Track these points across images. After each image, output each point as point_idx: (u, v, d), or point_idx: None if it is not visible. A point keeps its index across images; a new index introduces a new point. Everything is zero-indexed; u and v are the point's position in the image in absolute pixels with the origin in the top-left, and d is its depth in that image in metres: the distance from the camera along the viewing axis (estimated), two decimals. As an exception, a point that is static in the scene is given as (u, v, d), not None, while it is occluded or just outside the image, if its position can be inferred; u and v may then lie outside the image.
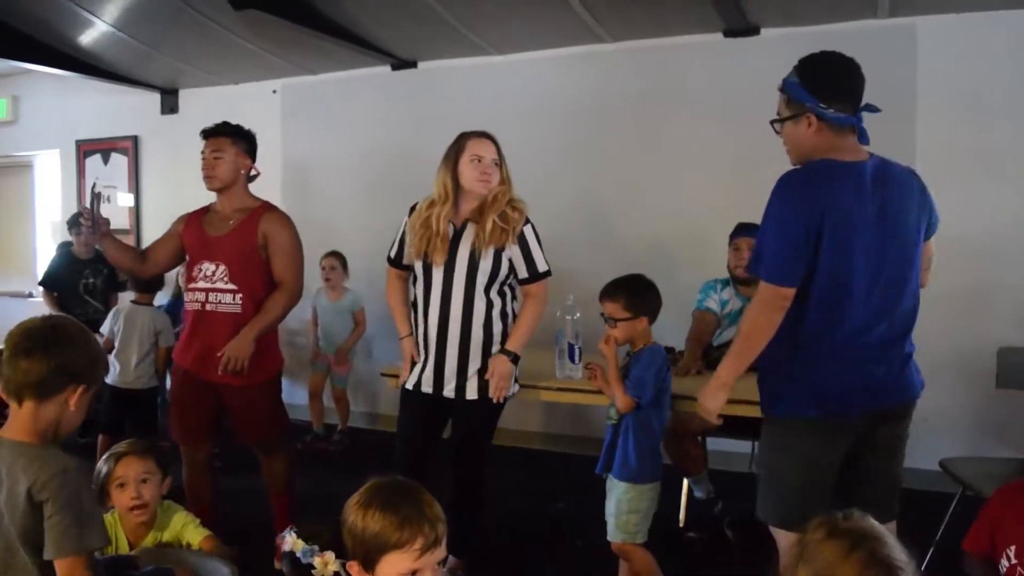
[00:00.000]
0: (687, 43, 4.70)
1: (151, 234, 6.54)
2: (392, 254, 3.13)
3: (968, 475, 3.10)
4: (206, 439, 3.30)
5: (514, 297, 3.05)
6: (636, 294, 2.81)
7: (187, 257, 3.27)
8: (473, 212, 2.92)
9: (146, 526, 2.48)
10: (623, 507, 2.72)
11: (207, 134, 3.24)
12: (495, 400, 2.93)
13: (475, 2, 4.41)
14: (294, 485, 3.45)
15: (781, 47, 4.47)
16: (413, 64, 5.47)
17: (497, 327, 2.96)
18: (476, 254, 2.87)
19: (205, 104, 6.28)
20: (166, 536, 2.50)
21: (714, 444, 4.01)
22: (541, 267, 2.98)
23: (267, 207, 3.26)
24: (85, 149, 6.82)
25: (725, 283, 3.84)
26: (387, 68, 5.51)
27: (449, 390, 2.95)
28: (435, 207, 2.92)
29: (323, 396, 5.40)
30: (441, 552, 1.61)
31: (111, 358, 4.30)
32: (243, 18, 4.41)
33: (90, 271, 5.48)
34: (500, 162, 2.93)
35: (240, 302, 3.14)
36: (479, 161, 2.88)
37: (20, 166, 7.39)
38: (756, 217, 3.92)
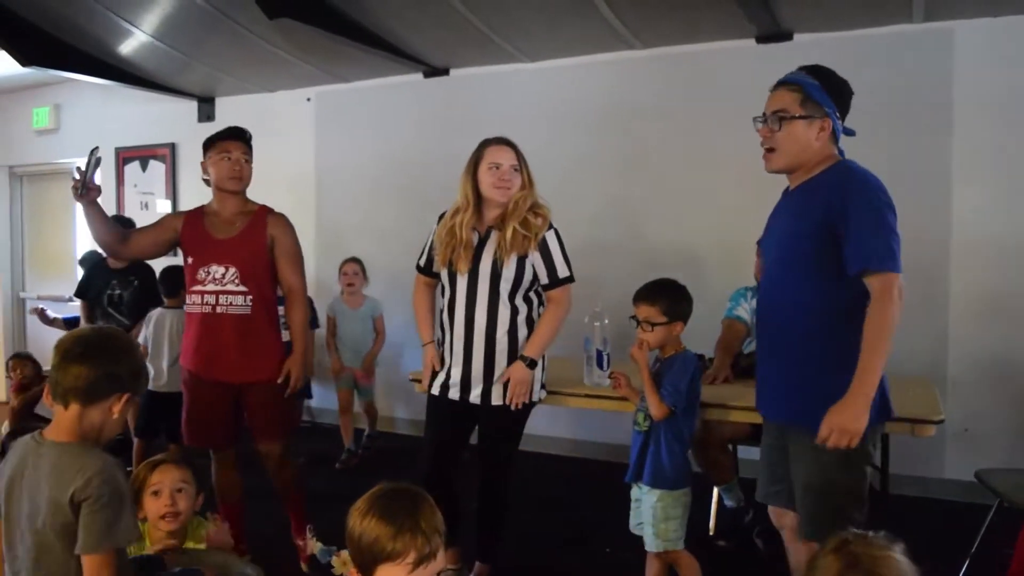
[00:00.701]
0: (719, 49, 4.68)
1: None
2: (421, 262, 3.15)
3: (1005, 487, 3.04)
4: (229, 441, 3.31)
5: (541, 303, 3.05)
6: (674, 299, 2.80)
7: (188, 259, 3.26)
8: (496, 219, 2.93)
9: (175, 541, 2.42)
10: (659, 515, 2.70)
11: (237, 137, 3.30)
12: (513, 407, 2.93)
13: (507, 10, 4.43)
14: (305, 486, 3.47)
15: (814, 53, 4.42)
16: (445, 71, 5.51)
17: (522, 333, 2.96)
18: (499, 262, 2.88)
19: (241, 112, 6.36)
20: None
21: (744, 452, 3.98)
22: (562, 273, 2.97)
23: (269, 210, 3.31)
24: (124, 156, 6.95)
25: (756, 291, 3.80)
26: (419, 76, 5.55)
27: (475, 396, 2.96)
28: (459, 215, 2.95)
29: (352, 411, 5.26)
30: (437, 565, 1.60)
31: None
32: (277, 27, 4.47)
33: (117, 281, 5.06)
34: (520, 167, 2.93)
35: (250, 303, 3.17)
36: (497, 168, 2.89)
37: (62, 173, 7.52)
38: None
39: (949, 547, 3.26)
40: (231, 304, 3.16)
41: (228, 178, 3.21)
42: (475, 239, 2.94)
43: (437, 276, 3.07)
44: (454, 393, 2.99)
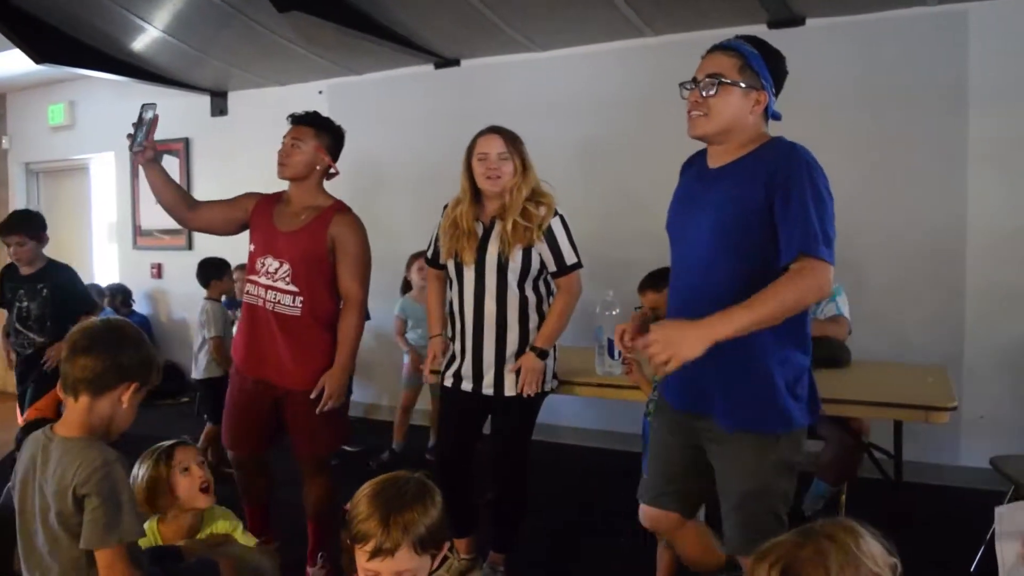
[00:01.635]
0: (731, 35, 4.61)
1: (203, 235, 6.67)
2: (429, 253, 3.16)
3: (1020, 473, 3.02)
4: (262, 444, 3.09)
5: (550, 293, 3.03)
6: None
7: (251, 245, 3.04)
8: (498, 210, 2.92)
9: (191, 530, 2.42)
10: None
11: (294, 120, 3.07)
12: (524, 395, 2.93)
13: (517, 0, 4.42)
14: (334, 512, 3.01)
15: (828, 37, 4.43)
16: (456, 62, 5.50)
17: (533, 322, 2.96)
18: (503, 254, 2.88)
19: (253, 106, 6.40)
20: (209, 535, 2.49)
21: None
22: (570, 260, 2.95)
23: (339, 208, 3.03)
24: (138, 165, 6.98)
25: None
26: (430, 67, 5.55)
27: (487, 387, 2.96)
28: (460, 206, 2.96)
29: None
30: (396, 564, 1.55)
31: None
32: (288, 20, 4.48)
33: (25, 291, 4.24)
34: (511, 155, 2.88)
35: (300, 306, 2.93)
36: (484, 159, 2.88)
37: (77, 169, 7.60)
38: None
39: (964, 534, 3.25)
40: (279, 302, 2.94)
41: (278, 163, 3.01)
42: (479, 230, 2.94)
43: (444, 267, 3.08)
44: (466, 385, 3.00)
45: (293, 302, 2.93)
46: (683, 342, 1.80)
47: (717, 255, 2.05)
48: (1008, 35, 4.09)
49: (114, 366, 1.85)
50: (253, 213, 3.06)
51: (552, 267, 2.95)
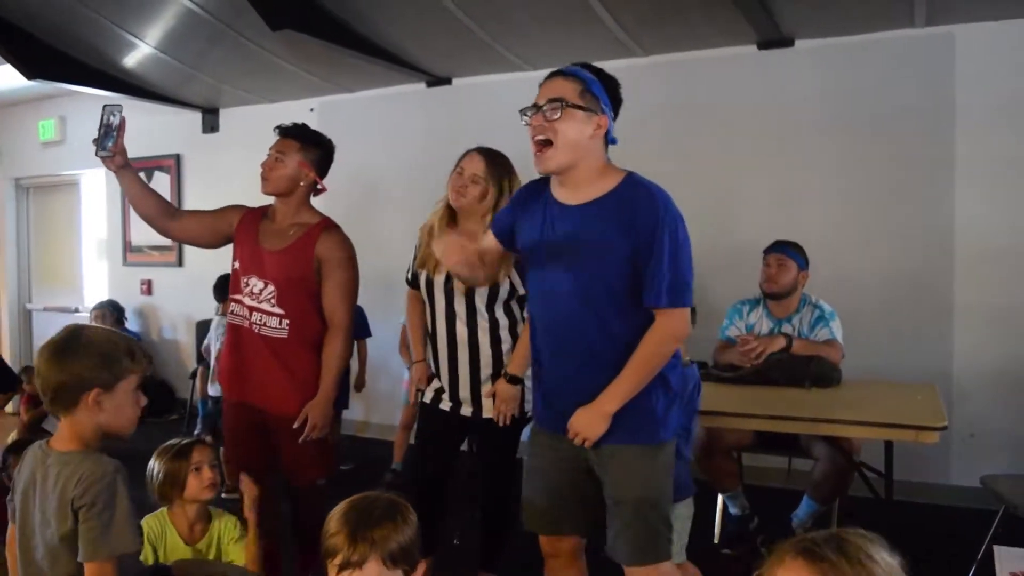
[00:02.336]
0: (720, 56, 4.68)
1: (193, 252, 6.66)
2: (408, 275, 3.13)
3: (1010, 492, 3.03)
4: (261, 474, 2.75)
5: (523, 313, 2.96)
6: None
7: (235, 262, 2.91)
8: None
9: (204, 524, 2.50)
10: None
11: (280, 132, 2.92)
12: (501, 423, 2.89)
13: (508, 19, 4.44)
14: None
15: (816, 59, 4.47)
16: (448, 80, 5.52)
17: (507, 344, 2.93)
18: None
19: (244, 123, 6.40)
20: (216, 541, 2.52)
21: (749, 460, 3.97)
22: None
23: (326, 225, 2.88)
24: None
25: (755, 303, 3.79)
26: (422, 85, 5.56)
27: (466, 409, 2.95)
28: (435, 217, 2.98)
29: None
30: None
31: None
32: (280, 38, 4.49)
33: None
34: (485, 180, 2.85)
35: (286, 328, 2.79)
36: (460, 174, 2.89)
37: (67, 184, 7.58)
38: (791, 230, 3.92)
39: (954, 553, 3.24)
40: (264, 324, 2.81)
41: (261, 177, 2.87)
42: None
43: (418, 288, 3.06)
44: (446, 404, 2.99)
45: (279, 324, 2.80)
46: (591, 428, 2.13)
47: (575, 294, 2.15)
48: (994, 56, 4.13)
49: (64, 382, 1.79)
50: (238, 228, 2.93)
51: (521, 289, 2.91)
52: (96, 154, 2.70)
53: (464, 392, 2.94)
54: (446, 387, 2.97)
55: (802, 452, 3.57)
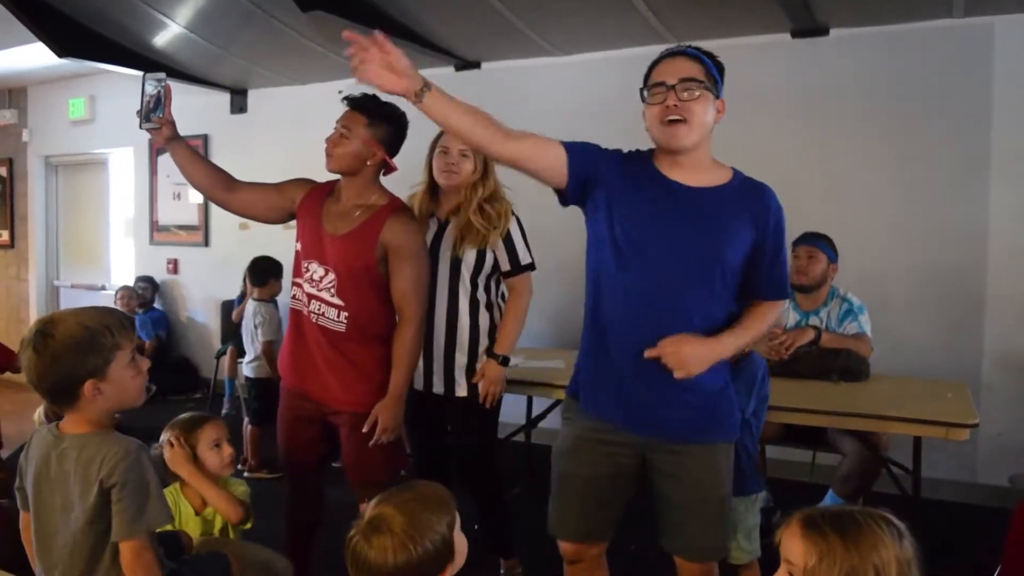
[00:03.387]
0: (754, 44, 4.62)
1: (219, 232, 6.70)
2: None
3: (1040, 492, 2.98)
4: (309, 466, 2.80)
5: (500, 293, 3.00)
6: None
7: (297, 243, 2.72)
8: (453, 208, 2.89)
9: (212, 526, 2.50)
10: (744, 524, 2.56)
11: (347, 103, 2.66)
12: (488, 406, 2.89)
13: (539, 3, 4.41)
14: None
15: (851, 48, 4.41)
16: (477, 65, 5.50)
17: (484, 320, 2.92)
18: (456, 252, 2.84)
19: (273, 104, 6.42)
20: None
21: (773, 452, 3.94)
22: (524, 259, 2.92)
23: (394, 207, 2.63)
24: (157, 147, 7.01)
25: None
26: (451, 69, 5.54)
27: (438, 385, 2.91)
28: (415, 197, 2.96)
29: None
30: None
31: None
32: (310, 19, 4.48)
33: None
34: (471, 154, 2.82)
35: (344, 321, 2.60)
36: (445, 153, 2.84)
37: (96, 163, 7.64)
38: (821, 221, 3.86)
39: (981, 552, 3.20)
40: (323, 315, 2.62)
41: (325, 152, 2.64)
42: (434, 226, 2.91)
43: None
44: (417, 383, 2.90)
45: (337, 316, 2.60)
46: (693, 360, 2.01)
47: (687, 283, 2.06)
48: (1035, 48, 4.04)
49: (54, 381, 1.74)
50: (300, 206, 2.71)
51: (506, 266, 2.90)
52: (140, 127, 2.53)
53: (437, 367, 2.90)
54: (420, 362, 2.81)
55: (828, 446, 3.54)
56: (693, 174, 2.11)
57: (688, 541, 2.18)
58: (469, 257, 2.84)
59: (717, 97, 2.09)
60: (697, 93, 2.01)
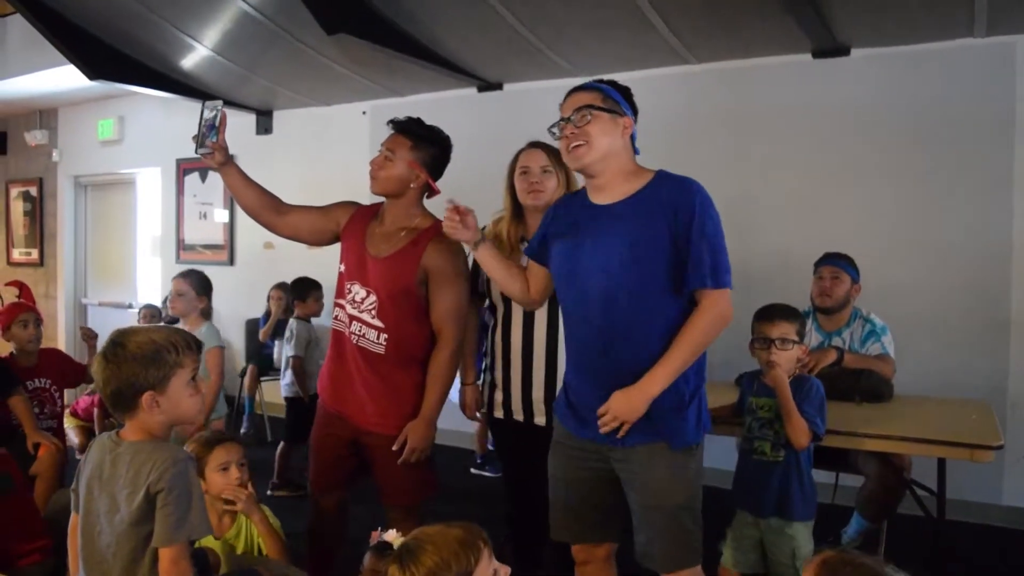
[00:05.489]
0: (775, 64, 4.63)
1: (244, 251, 6.77)
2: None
3: (1067, 515, 2.94)
4: (335, 485, 2.80)
5: None
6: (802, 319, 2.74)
7: (341, 264, 2.75)
8: None
9: (231, 517, 2.55)
10: (803, 550, 2.54)
11: (392, 126, 2.73)
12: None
13: (560, 25, 4.45)
14: None
15: (873, 68, 4.41)
16: (499, 86, 5.54)
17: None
18: None
19: (298, 125, 6.51)
20: (245, 530, 2.56)
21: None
22: None
23: (437, 230, 2.58)
24: (185, 167, 7.12)
25: (804, 316, 3.74)
26: (473, 90, 5.59)
27: (540, 419, 2.77)
28: (501, 223, 2.87)
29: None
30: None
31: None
32: (335, 42, 4.55)
33: None
34: (553, 169, 2.75)
35: (384, 343, 2.61)
36: (526, 173, 2.77)
37: (124, 183, 7.76)
38: (843, 241, 3.86)
39: (1007, 574, 3.17)
40: (363, 336, 2.63)
41: (370, 175, 2.69)
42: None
43: (481, 296, 2.93)
44: (518, 415, 2.82)
45: (377, 339, 2.61)
46: (630, 409, 2.10)
47: (619, 290, 2.15)
48: (1058, 67, 4.03)
49: (117, 387, 1.84)
50: (346, 228, 2.75)
51: None
52: (196, 151, 2.61)
53: (537, 398, 2.78)
54: (519, 395, 2.79)
55: (851, 467, 3.51)
56: (610, 192, 2.24)
57: (643, 547, 2.22)
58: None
59: (623, 115, 2.23)
60: (589, 117, 2.18)
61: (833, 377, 3.39)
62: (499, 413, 2.88)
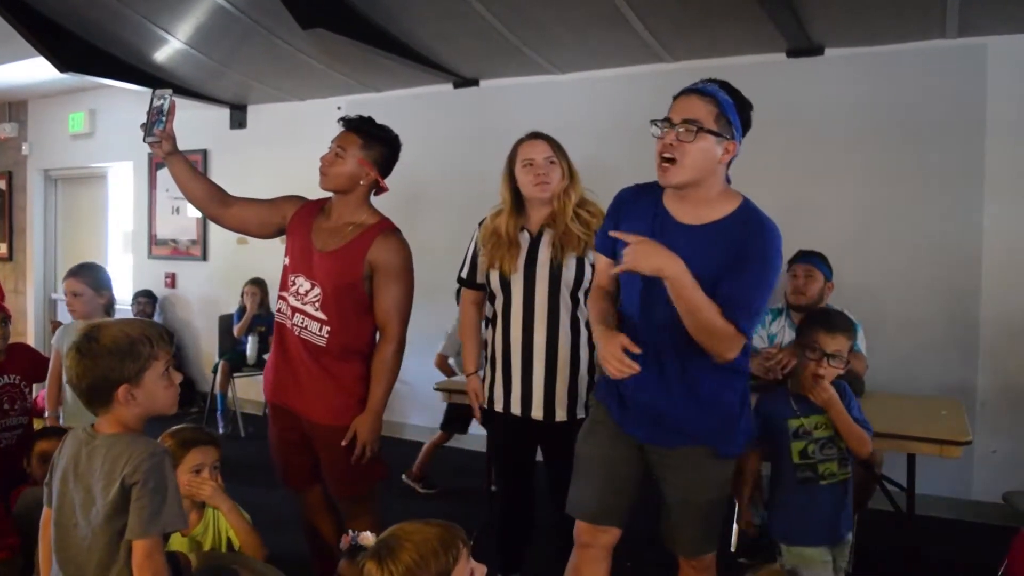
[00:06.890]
0: (750, 63, 4.65)
1: (218, 246, 6.71)
2: (464, 273, 3.00)
3: (1033, 509, 2.99)
4: (306, 480, 2.80)
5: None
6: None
7: (286, 258, 2.75)
8: (547, 218, 2.78)
9: (198, 513, 2.51)
10: (842, 562, 2.55)
11: (343, 124, 2.74)
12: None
13: (537, 22, 4.45)
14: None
15: (846, 67, 4.44)
16: (475, 82, 5.53)
17: (584, 337, 2.76)
18: (556, 262, 2.72)
19: (272, 120, 6.46)
20: (212, 526, 2.53)
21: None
22: None
23: (383, 228, 2.68)
24: (157, 161, 7.03)
25: (777, 313, 3.77)
26: (449, 86, 5.57)
27: (537, 412, 2.78)
28: (502, 216, 2.83)
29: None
30: None
31: None
32: (310, 37, 4.52)
33: None
34: (557, 159, 2.77)
35: (326, 336, 2.62)
36: (531, 164, 2.75)
37: (95, 177, 7.67)
38: (816, 240, 3.89)
39: (975, 569, 3.21)
40: (305, 328, 2.65)
41: (319, 171, 2.70)
42: (526, 239, 2.80)
43: (482, 288, 2.93)
44: (515, 408, 2.83)
45: (320, 331, 2.63)
46: (647, 260, 1.98)
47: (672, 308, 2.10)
48: (1027, 69, 4.08)
49: (91, 382, 1.83)
50: (291, 221, 2.77)
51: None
52: (144, 140, 2.62)
53: (536, 392, 2.78)
54: (519, 387, 2.80)
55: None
56: (694, 209, 2.16)
57: (670, 534, 2.35)
58: (569, 269, 2.72)
59: (729, 139, 2.10)
60: (692, 136, 2.05)
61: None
62: (498, 407, 2.88)
